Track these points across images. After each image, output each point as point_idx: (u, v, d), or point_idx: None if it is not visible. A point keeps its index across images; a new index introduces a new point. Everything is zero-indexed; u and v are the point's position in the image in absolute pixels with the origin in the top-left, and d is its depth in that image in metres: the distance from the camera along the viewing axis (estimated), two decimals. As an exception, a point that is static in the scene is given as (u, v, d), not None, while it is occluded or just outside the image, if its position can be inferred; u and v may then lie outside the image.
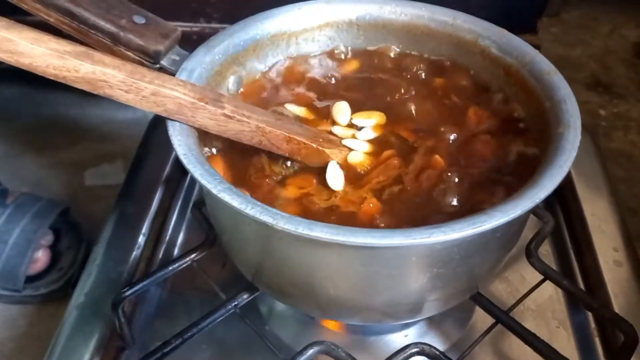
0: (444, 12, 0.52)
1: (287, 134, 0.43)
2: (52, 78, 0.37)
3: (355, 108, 0.49)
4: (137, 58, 0.45)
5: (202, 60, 0.46)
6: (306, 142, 0.44)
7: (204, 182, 0.37)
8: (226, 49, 0.49)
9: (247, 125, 0.42)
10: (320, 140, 0.45)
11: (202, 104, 0.40)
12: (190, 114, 0.41)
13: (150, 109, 0.40)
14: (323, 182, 0.43)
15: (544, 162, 0.39)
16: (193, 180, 0.65)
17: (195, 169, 0.38)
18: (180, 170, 0.64)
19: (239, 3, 0.88)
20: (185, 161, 0.38)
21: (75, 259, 0.77)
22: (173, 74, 0.44)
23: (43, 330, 0.73)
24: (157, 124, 0.69)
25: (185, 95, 0.40)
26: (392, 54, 0.54)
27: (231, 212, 0.38)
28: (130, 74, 0.39)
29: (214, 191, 0.36)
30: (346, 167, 0.45)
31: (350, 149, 0.45)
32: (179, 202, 0.62)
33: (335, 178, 0.43)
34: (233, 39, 0.49)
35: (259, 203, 0.36)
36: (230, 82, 0.49)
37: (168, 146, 0.65)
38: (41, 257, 0.75)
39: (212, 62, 0.47)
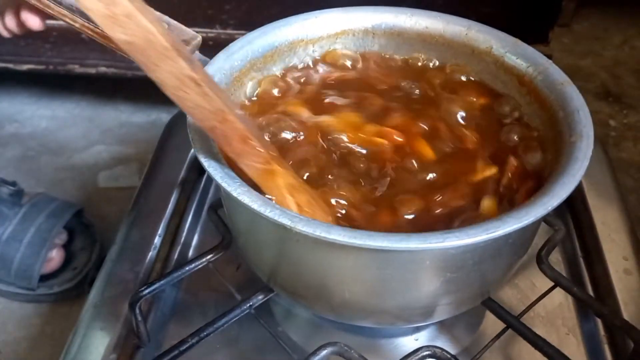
0: (458, 21, 0.53)
1: (244, 133, 0.39)
2: None
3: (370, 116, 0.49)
4: (159, 63, 0.46)
5: (222, 67, 0.47)
6: (261, 150, 0.40)
7: (224, 184, 0.38)
8: (245, 55, 0.50)
9: (210, 103, 0.37)
10: (274, 155, 0.41)
11: (175, 53, 0.34)
12: (155, 58, 0.33)
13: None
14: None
15: (557, 171, 0.40)
16: (208, 183, 0.66)
17: (216, 172, 0.39)
18: (195, 172, 0.65)
19: (253, 10, 0.90)
20: (206, 164, 0.39)
21: (89, 259, 0.78)
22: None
23: (57, 329, 0.75)
24: (174, 127, 0.70)
25: (161, 35, 0.33)
26: (407, 62, 0.55)
27: (249, 214, 0.38)
28: None
29: (234, 194, 0.37)
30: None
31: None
32: (194, 204, 0.63)
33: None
34: (252, 45, 0.50)
35: (277, 206, 0.37)
36: (249, 87, 0.50)
37: (184, 149, 0.67)
38: (55, 256, 0.76)
39: (232, 68, 0.48)
